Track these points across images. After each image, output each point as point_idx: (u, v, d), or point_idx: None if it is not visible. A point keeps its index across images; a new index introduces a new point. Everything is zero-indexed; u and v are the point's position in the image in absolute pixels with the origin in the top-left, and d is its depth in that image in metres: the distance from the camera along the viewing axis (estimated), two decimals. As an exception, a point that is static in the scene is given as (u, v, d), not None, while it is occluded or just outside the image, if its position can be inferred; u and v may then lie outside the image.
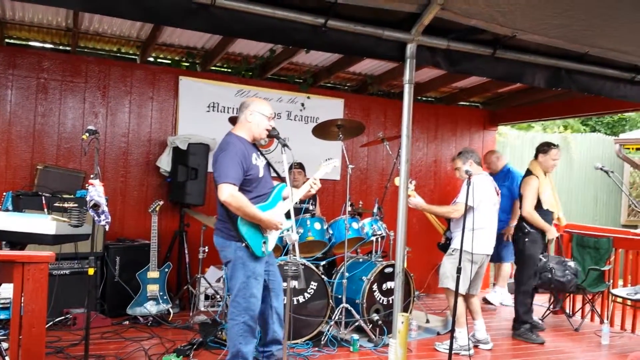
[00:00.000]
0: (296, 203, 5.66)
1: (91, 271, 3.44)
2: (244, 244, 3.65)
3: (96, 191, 3.29)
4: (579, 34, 4.18)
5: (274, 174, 4.08)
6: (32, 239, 3.27)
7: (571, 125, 13.71)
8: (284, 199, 3.94)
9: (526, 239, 5.43)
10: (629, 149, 10.02)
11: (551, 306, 6.43)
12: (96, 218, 3.30)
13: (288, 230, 3.51)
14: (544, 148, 5.49)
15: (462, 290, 4.78)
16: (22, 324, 2.37)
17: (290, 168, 5.75)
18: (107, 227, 3.43)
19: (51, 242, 3.27)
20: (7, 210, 4.79)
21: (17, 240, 3.28)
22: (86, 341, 3.32)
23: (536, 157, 5.56)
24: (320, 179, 4.15)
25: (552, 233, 5.43)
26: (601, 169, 5.18)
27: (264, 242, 3.75)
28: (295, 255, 3.46)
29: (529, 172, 5.52)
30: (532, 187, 5.39)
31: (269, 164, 3.98)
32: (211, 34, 5.35)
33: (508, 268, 7.13)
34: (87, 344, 3.33)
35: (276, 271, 4.06)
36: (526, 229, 5.42)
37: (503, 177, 6.85)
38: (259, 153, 3.89)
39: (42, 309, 2.40)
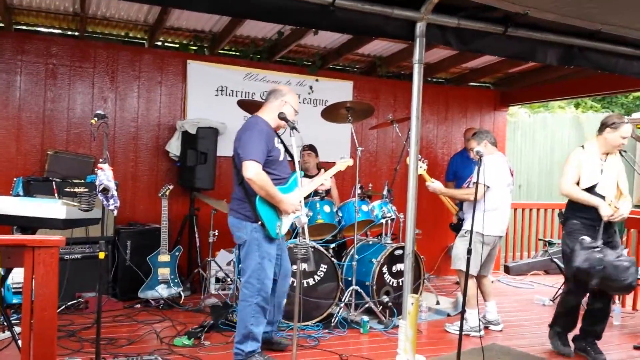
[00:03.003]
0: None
1: (102, 255, 3.44)
2: (259, 223, 3.69)
3: (105, 175, 3.28)
4: (591, 11, 4.10)
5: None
6: (42, 223, 3.30)
7: (585, 101, 13.54)
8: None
9: (564, 232, 4.50)
10: (641, 128, 9.90)
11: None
12: (105, 202, 3.30)
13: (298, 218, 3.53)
14: (614, 121, 4.27)
15: (474, 271, 4.76)
16: (33, 308, 2.38)
17: (301, 151, 5.74)
18: (115, 212, 3.43)
19: (61, 227, 3.30)
20: (18, 195, 4.82)
21: (28, 225, 3.32)
22: (98, 324, 3.34)
23: (601, 131, 4.35)
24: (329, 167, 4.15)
25: (603, 208, 4.19)
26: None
27: (279, 225, 3.79)
28: (304, 238, 3.46)
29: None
30: (571, 160, 4.39)
31: (287, 150, 4.00)
32: (218, 15, 5.30)
33: None
34: (99, 327, 3.35)
35: (286, 257, 4.12)
36: (562, 219, 4.56)
37: None
38: (279, 139, 3.96)
39: (53, 293, 2.41)
